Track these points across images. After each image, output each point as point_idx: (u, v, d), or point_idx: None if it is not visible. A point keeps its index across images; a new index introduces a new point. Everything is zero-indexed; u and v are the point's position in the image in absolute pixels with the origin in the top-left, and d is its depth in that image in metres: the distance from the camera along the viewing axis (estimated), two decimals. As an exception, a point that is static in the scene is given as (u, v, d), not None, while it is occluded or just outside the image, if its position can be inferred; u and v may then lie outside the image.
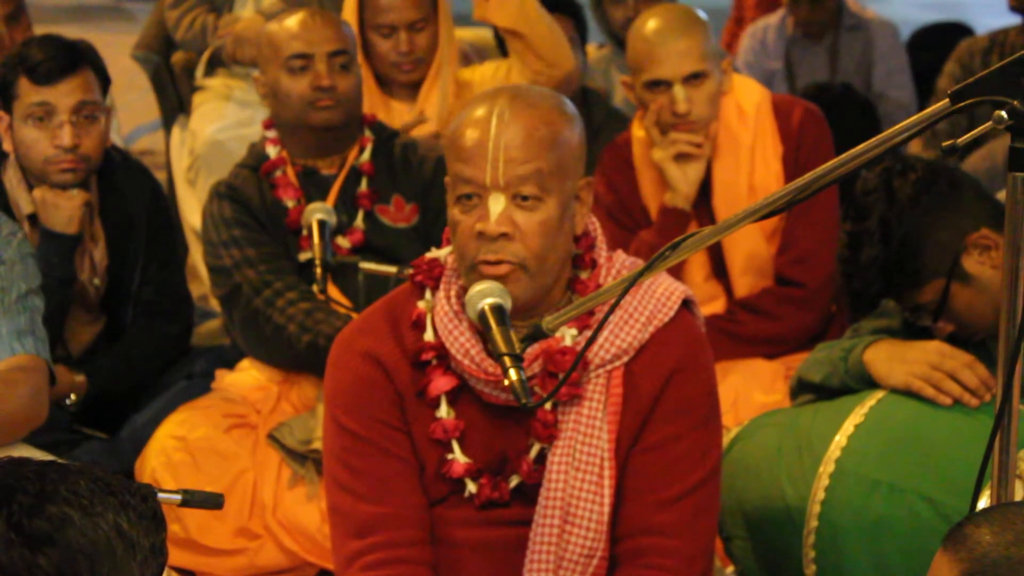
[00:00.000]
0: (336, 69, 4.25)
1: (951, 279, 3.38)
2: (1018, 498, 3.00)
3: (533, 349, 2.94)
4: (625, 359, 2.98)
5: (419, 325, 3.03)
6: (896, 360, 3.39)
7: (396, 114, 4.91)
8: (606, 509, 2.97)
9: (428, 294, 3.05)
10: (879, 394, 3.40)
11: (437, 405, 3.02)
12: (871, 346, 3.44)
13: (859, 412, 3.38)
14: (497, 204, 2.87)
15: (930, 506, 3.21)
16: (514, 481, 3.02)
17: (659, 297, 3.01)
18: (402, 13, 4.89)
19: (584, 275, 3.01)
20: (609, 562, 3.00)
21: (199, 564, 4.10)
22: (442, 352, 3.00)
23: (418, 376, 3.02)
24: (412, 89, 4.96)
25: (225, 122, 5.93)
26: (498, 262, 2.87)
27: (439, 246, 3.11)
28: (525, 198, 2.87)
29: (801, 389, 3.60)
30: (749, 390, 4.30)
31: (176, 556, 4.05)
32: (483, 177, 2.87)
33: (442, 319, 2.99)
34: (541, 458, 3.00)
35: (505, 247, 2.87)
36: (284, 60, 4.25)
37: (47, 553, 1.82)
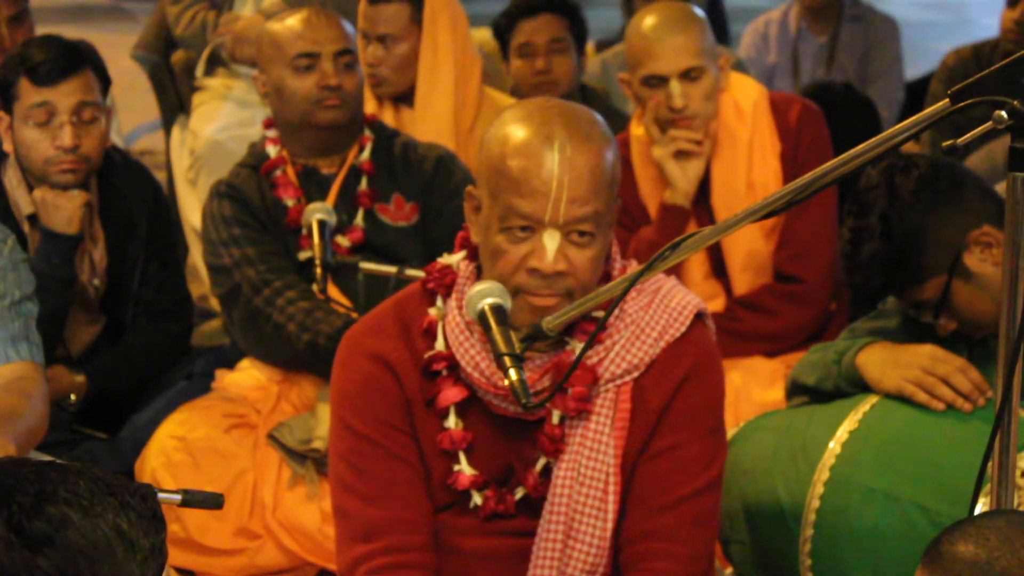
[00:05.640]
0: (341, 68, 4.25)
1: (952, 276, 3.37)
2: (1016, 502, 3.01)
3: (544, 362, 2.92)
4: (635, 374, 2.96)
5: (430, 333, 3.00)
6: (889, 364, 3.39)
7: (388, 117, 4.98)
8: (609, 525, 2.95)
9: (440, 301, 3.01)
10: (873, 399, 3.40)
11: (446, 415, 3.00)
12: (864, 349, 3.44)
13: (853, 418, 3.37)
14: (552, 241, 2.81)
15: (924, 514, 3.20)
16: (519, 493, 3.01)
17: (672, 310, 2.98)
18: (374, 26, 4.99)
19: (600, 287, 2.98)
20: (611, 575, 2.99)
21: (199, 564, 4.10)
22: (453, 362, 2.97)
23: (427, 384, 3.00)
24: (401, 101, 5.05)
25: (226, 121, 5.94)
26: (549, 295, 2.85)
27: (440, 245, 3.10)
28: (581, 234, 2.83)
29: (795, 391, 3.60)
30: (748, 388, 4.31)
31: (176, 556, 4.05)
32: (542, 214, 2.80)
33: (453, 330, 2.96)
34: (547, 472, 2.98)
35: (557, 283, 2.84)
36: (290, 59, 4.25)
37: (47, 554, 1.83)
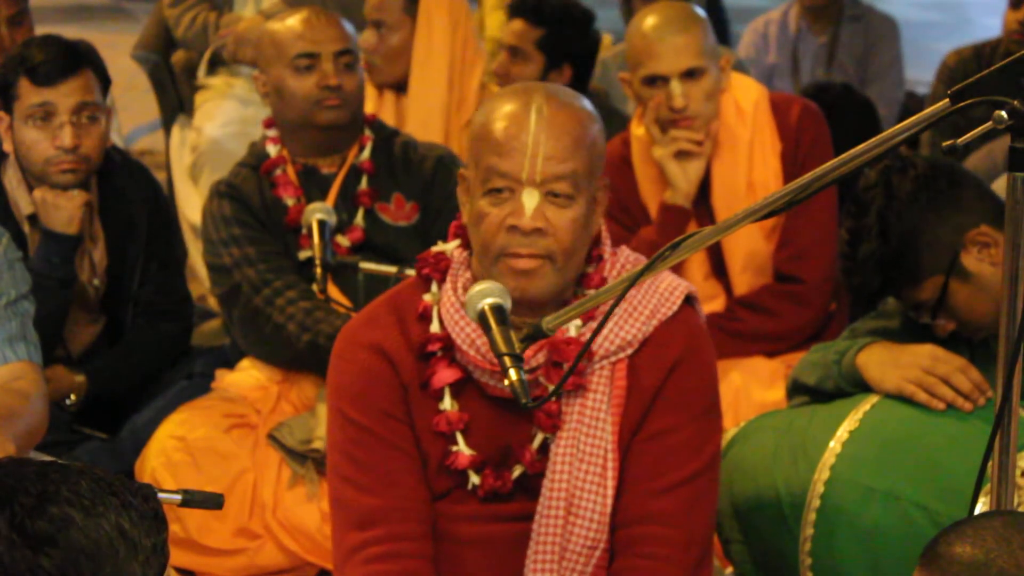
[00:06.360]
0: (342, 68, 4.26)
1: (950, 276, 3.38)
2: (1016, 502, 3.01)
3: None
4: (629, 351, 3.00)
5: (425, 317, 3.04)
6: (889, 364, 3.39)
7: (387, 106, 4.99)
8: (609, 501, 2.98)
9: (434, 287, 3.05)
10: (873, 399, 3.40)
11: (441, 397, 3.02)
12: (864, 349, 3.44)
13: (854, 418, 3.37)
14: (531, 199, 2.88)
15: (924, 514, 3.21)
16: (517, 471, 3.03)
17: (662, 292, 3.03)
18: (370, 10, 5.01)
19: (590, 269, 3.03)
20: (611, 553, 3.01)
21: (199, 564, 4.11)
22: (448, 343, 3.01)
23: (423, 368, 3.03)
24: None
25: (229, 118, 5.94)
26: (528, 255, 2.89)
27: (443, 243, 3.12)
28: (558, 195, 2.89)
29: (796, 391, 3.60)
30: (749, 389, 4.31)
31: (176, 556, 4.05)
32: (519, 172, 2.88)
33: (448, 310, 3.00)
34: (544, 449, 3.01)
35: (537, 241, 2.89)
36: (290, 59, 4.25)
37: (49, 554, 1.83)
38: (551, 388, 2.95)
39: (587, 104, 2.97)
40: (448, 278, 3.03)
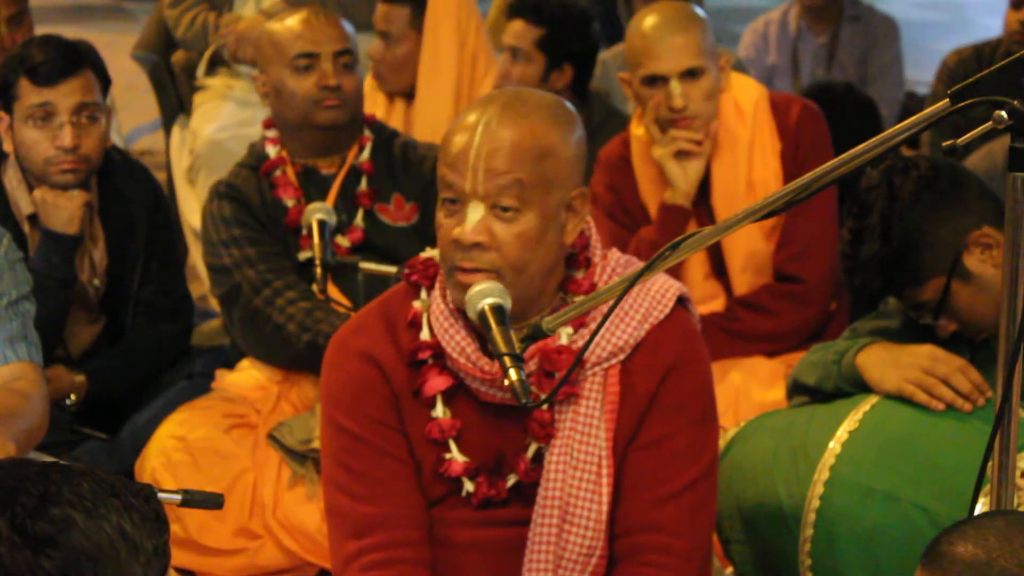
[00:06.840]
0: (341, 69, 4.26)
1: (952, 277, 3.38)
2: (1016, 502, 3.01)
3: (529, 348, 2.93)
4: (621, 356, 2.97)
5: (415, 324, 3.02)
6: (888, 365, 3.39)
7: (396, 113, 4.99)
8: (604, 507, 2.97)
9: (423, 293, 3.04)
10: (873, 399, 3.40)
11: (433, 405, 3.01)
12: (864, 349, 3.44)
13: (853, 418, 3.37)
14: (476, 213, 2.86)
15: (924, 514, 3.21)
16: (511, 480, 3.02)
17: (654, 294, 3.00)
18: (378, 21, 5.04)
19: (579, 275, 2.99)
20: (608, 560, 3.00)
21: (199, 564, 4.11)
22: (438, 351, 2.99)
23: (414, 376, 3.01)
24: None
25: (225, 121, 5.95)
26: (473, 270, 2.86)
27: (435, 246, 3.12)
28: (505, 209, 2.85)
29: (796, 391, 3.60)
30: (749, 389, 4.31)
31: (176, 556, 4.05)
32: (463, 184, 2.86)
33: (438, 318, 2.98)
34: (538, 457, 3.00)
35: (479, 256, 2.86)
36: (289, 59, 4.26)
37: (50, 555, 1.83)
38: (542, 396, 2.93)
39: (557, 112, 2.90)
40: (437, 285, 3.01)
